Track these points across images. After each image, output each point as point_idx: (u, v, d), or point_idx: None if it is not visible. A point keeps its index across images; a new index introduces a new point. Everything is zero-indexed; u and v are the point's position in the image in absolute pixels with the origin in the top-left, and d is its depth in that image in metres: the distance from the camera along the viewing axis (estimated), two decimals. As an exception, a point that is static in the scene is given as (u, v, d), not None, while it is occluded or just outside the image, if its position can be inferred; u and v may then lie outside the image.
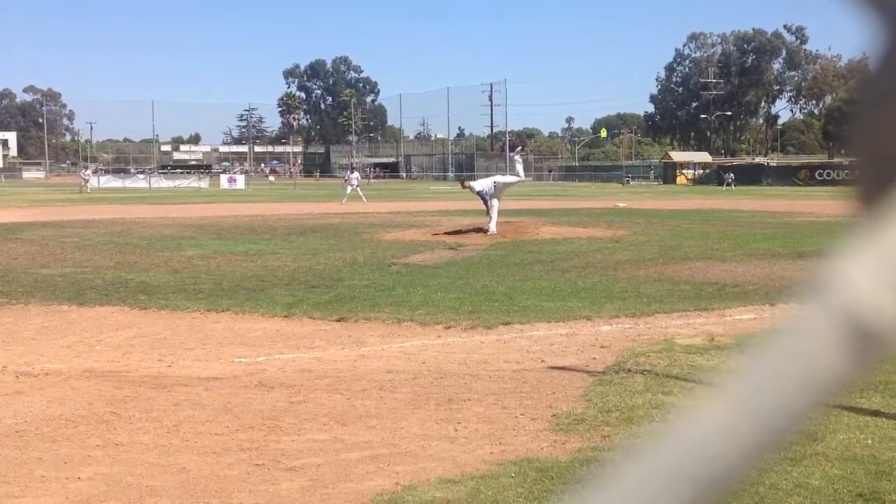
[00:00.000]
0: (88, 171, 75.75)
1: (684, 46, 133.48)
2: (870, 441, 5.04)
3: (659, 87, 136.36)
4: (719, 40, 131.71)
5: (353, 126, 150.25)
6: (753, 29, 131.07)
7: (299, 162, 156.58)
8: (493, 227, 21.03)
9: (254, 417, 5.99)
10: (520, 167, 23.35)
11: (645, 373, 6.78)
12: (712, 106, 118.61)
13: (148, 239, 20.31)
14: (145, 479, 4.77)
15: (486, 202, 21.38)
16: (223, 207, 38.26)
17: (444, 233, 21.74)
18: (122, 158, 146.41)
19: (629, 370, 6.92)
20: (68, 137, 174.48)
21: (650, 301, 10.53)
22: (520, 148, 23.08)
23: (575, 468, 4.65)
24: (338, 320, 9.72)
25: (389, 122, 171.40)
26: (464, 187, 22.64)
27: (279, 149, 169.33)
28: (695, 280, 12.52)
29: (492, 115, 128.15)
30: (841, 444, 4.95)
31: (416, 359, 7.79)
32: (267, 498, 4.54)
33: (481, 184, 21.98)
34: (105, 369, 7.40)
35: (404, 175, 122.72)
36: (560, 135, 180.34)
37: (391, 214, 31.41)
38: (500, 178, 22.74)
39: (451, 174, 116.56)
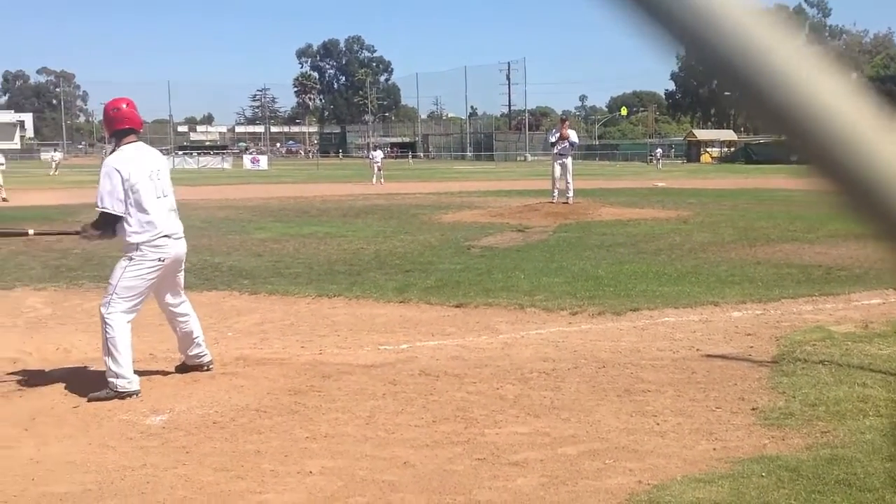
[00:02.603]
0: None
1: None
2: None
3: (679, 64, 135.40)
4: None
5: (370, 106, 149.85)
6: (775, 4, 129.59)
7: (315, 142, 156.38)
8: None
9: (442, 408, 5.86)
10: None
11: (825, 363, 6.63)
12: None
13: (208, 221, 20.19)
14: (376, 474, 4.65)
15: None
16: (259, 189, 38.22)
17: (502, 214, 21.56)
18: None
19: (804, 360, 6.77)
20: (82, 118, 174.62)
21: (767, 286, 10.35)
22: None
23: (823, 468, 4.51)
24: (457, 306, 9.59)
25: (403, 102, 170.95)
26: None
27: (294, 129, 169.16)
28: (795, 263, 12.33)
29: (509, 93, 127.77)
30: None
31: (564, 347, 7.65)
32: (510, 495, 4.42)
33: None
34: (258, 357, 7.29)
35: (422, 155, 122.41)
36: (574, 113, 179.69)
37: (434, 195, 31.25)
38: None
39: (469, 153, 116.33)
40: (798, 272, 11.49)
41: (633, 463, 4.80)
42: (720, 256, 13.28)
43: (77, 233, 6.89)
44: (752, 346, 7.46)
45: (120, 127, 6.58)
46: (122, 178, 6.29)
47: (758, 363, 6.87)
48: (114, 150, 6.61)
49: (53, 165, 61.19)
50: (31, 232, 7.66)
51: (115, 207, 6.29)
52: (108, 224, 6.42)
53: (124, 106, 6.63)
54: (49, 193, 33.38)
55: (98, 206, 6.38)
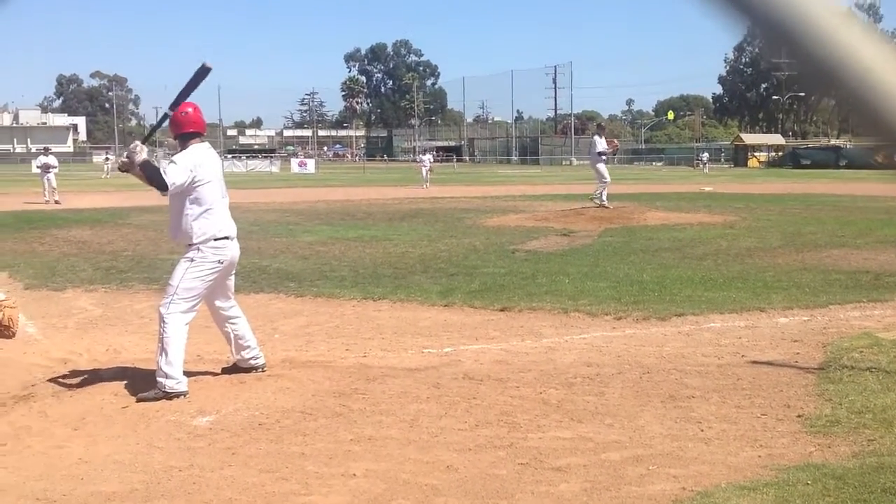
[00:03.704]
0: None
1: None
2: None
3: (728, 67, 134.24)
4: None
5: (416, 110, 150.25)
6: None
7: (362, 146, 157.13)
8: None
9: (485, 412, 5.88)
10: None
11: (872, 370, 6.54)
12: (785, 87, 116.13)
13: (258, 224, 20.41)
14: (420, 477, 4.69)
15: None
16: (307, 192, 38.50)
17: (546, 218, 21.52)
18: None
19: (851, 367, 6.68)
20: (134, 122, 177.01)
21: (815, 292, 10.23)
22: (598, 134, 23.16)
23: (869, 476, 4.46)
24: (501, 310, 9.59)
25: (449, 106, 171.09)
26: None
27: (341, 133, 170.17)
28: (843, 269, 12.16)
29: (556, 97, 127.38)
30: None
31: (608, 352, 7.63)
32: (553, 500, 4.42)
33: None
34: (303, 359, 7.37)
35: (467, 158, 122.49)
36: (620, 117, 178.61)
37: (479, 199, 31.29)
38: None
39: (515, 157, 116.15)
40: (846, 278, 11.33)
41: (677, 469, 4.78)
42: (767, 262, 13.15)
43: (130, 154, 6.46)
44: (798, 353, 7.38)
45: (187, 130, 6.72)
46: (193, 175, 6.41)
47: (804, 370, 6.80)
48: (181, 151, 6.69)
49: (106, 168, 62.43)
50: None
51: (173, 178, 6.31)
52: (153, 179, 6.40)
53: (190, 110, 6.76)
54: (100, 196, 33.96)
55: (164, 166, 6.47)
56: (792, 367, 6.93)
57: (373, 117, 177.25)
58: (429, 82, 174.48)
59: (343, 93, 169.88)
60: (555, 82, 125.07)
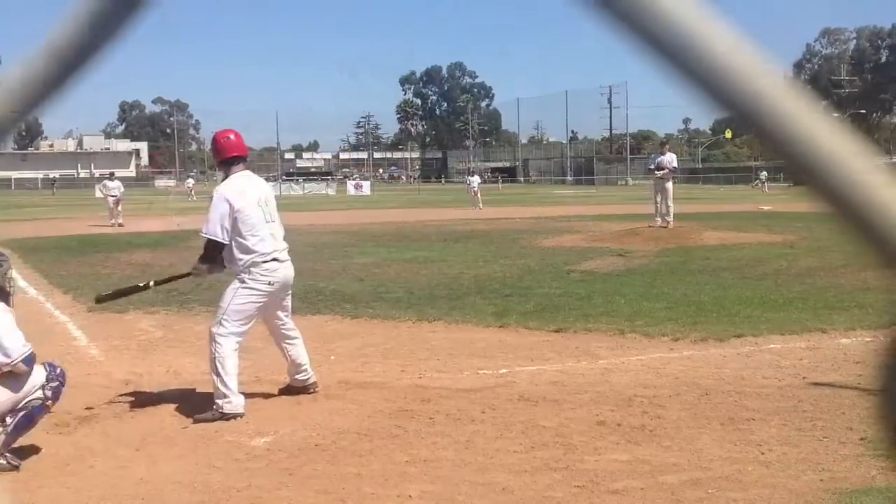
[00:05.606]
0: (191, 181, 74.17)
1: (815, 42, 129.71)
2: None
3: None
4: (854, 35, 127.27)
5: (471, 131, 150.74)
6: (893, 24, 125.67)
7: (417, 167, 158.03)
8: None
9: (541, 434, 5.86)
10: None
11: (939, 392, 6.39)
12: (845, 104, 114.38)
13: (313, 246, 20.56)
14: (475, 500, 4.68)
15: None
16: (362, 214, 38.81)
17: (602, 238, 21.43)
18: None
19: (917, 389, 6.53)
20: (194, 146, 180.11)
21: (878, 312, 10.00)
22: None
23: (937, 499, 4.35)
24: (556, 331, 9.55)
25: (504, 127, 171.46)
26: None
27: (397, 154, 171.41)
28: (908, 289, 11.88)
29: (611, 117, 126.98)
30: None
31: (665, 373, 7.55)
32: (609, 523, 4.39)
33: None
34: (359, 380, 7.41)
35: (522, 179, 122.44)
36: (677, 136, 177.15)
37: (534, 220, 31.22)
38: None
39: (570, 178, 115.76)
40: (912, 298, 11.06)
41: (737, 493, 4.72)
42: (828, 282, 12.91)
43: (188, 274, 7.14)
44: (861, 375, 7.22)
45: (229, 155, 6.87)
46: (230, 207, 6.53)
47: (867, 392, 6.65)
48: (224, 179, 6.88)
49: (190, 190, 64.72)
50: (152, 284, 7.74)
51: (219, 234, 6.52)
52: (214, 252, 6.66)
53: (232, 136, 6.94)
54: (162, 221, 34.55)
55: (203, 233, 6.63)
56: (854, 389, 6.79)
57: (427, 139, 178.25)
58: (483, 104, 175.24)
59: (398, 115, 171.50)
60: (610, 102, 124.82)
